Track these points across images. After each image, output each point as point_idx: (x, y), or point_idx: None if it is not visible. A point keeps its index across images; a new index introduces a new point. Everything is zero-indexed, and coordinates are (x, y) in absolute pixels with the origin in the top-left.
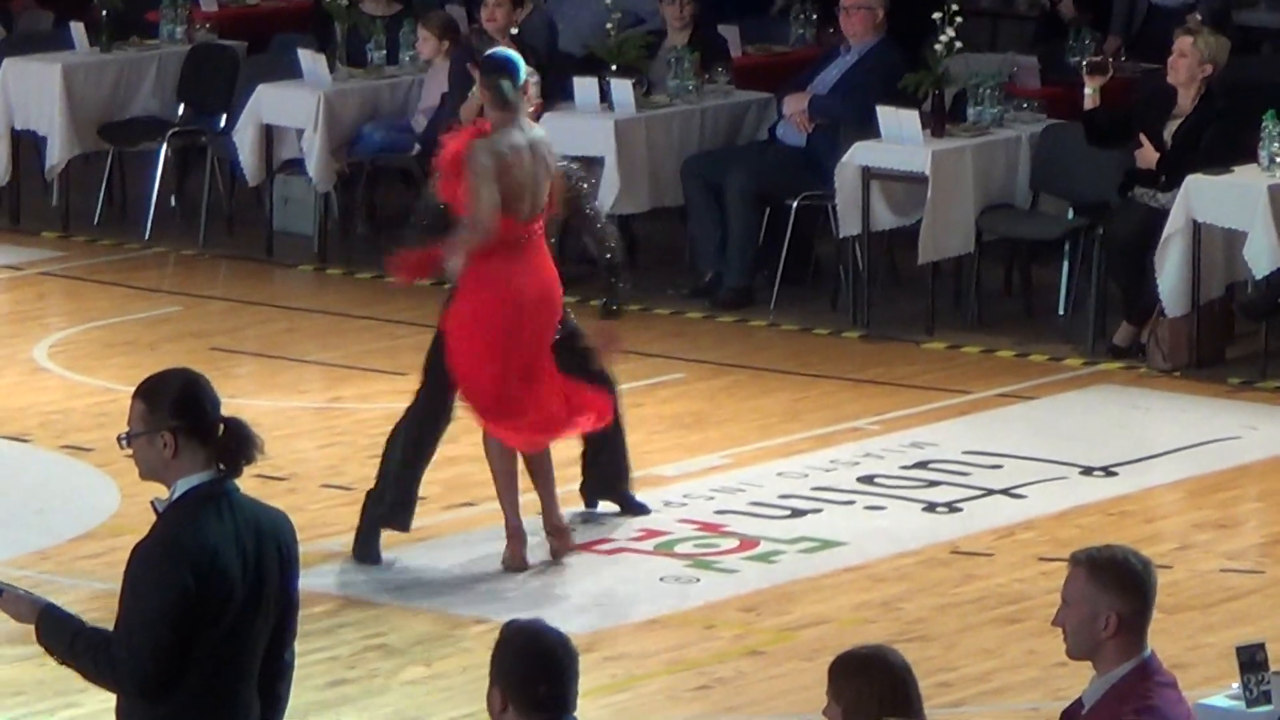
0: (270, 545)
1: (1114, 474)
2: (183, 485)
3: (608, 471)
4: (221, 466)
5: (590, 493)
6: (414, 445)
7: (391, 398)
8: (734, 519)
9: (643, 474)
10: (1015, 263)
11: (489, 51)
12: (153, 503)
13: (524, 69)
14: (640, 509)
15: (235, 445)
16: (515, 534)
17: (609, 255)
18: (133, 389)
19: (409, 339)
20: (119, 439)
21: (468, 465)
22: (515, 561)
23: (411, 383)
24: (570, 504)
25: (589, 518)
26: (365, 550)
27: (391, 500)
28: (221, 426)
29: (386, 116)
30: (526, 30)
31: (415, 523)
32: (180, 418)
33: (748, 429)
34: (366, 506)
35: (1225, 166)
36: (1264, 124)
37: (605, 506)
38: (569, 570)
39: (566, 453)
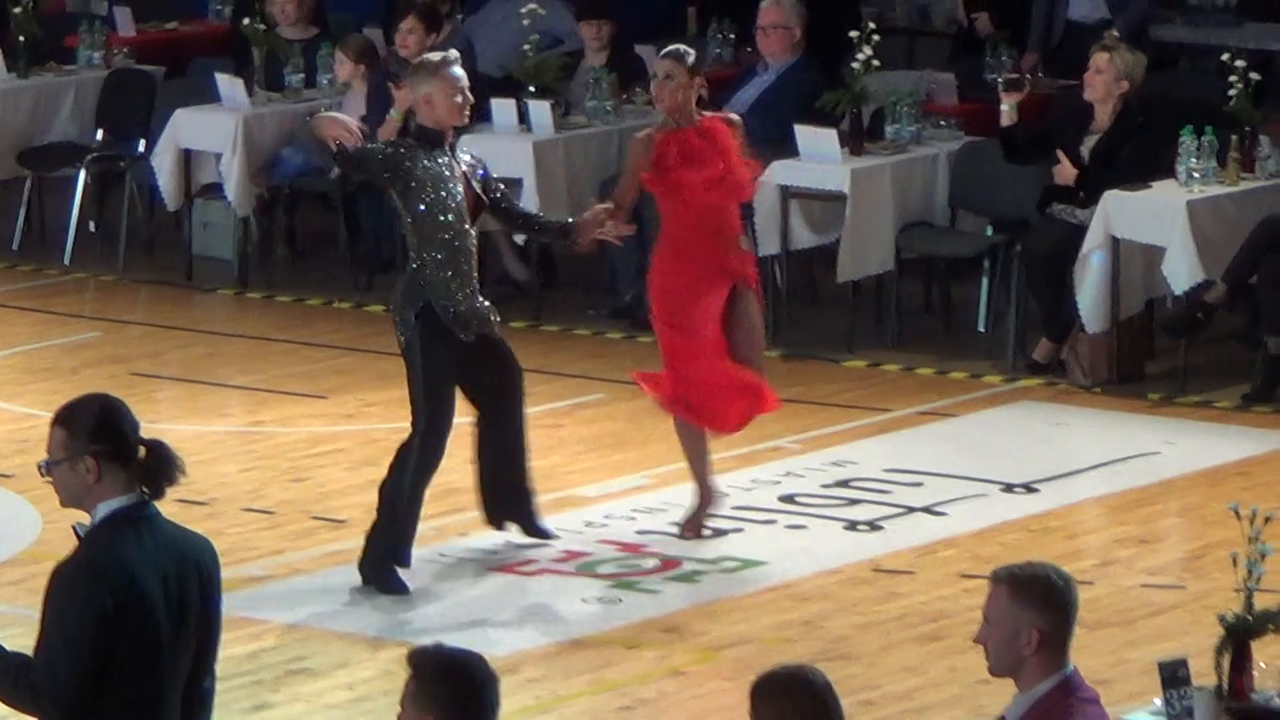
0: (191, 569)
1: (1035, 490)
2: (103, 509)
3: (510, 493)
4: (144, 489)
5: (494, 515)
6: (415, 488)
7: (313, 421)
8: (655, 539)
9: (564, 495)
10: (934, 280)
11: None
12: (74, 527)
13: None
14: (544, 534)
15: (157, 467)
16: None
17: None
18: (51, 415)
19: (329, 362)
20: (39, 466)
21: None
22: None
23: (333, 405)
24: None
25: (506, 539)
26: (386, 583)
27: (395, 536)
28: (142, 449)
29: (305, 140)
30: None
31: (336, 545)
32: (101, 442)
33: (669, 449)
34: (371, 540)
35: (1143, 182)
36: (1181, 139)
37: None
38: (491, 591)
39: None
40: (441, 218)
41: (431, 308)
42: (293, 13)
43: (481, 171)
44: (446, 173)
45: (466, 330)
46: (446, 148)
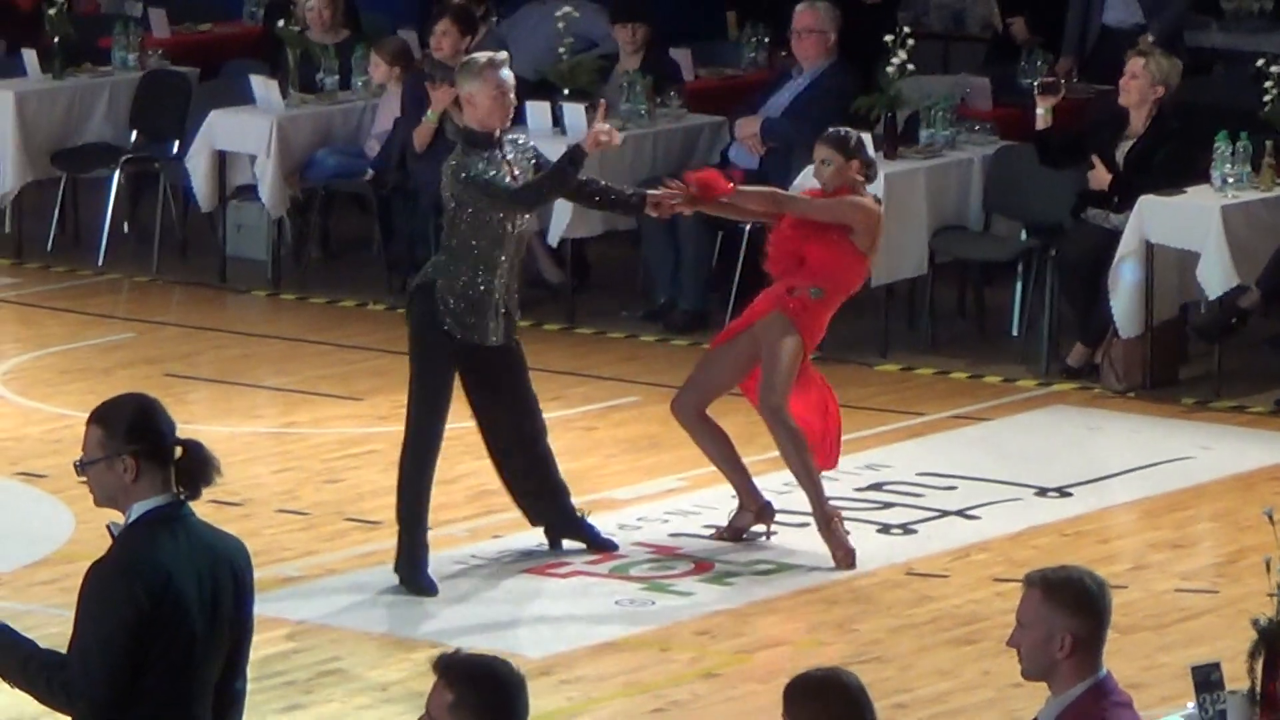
0: (225, 570)
1: (1068, 495)
2: (138, 509)
3: (546, 496)
4: (180, 489)
5: (535, 519)
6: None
7: (346, 422)
8: (689, 542)
9: (597, 497)
10: (968, 284)
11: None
12: (109, 527)
13: None
14: (607, 545)
15: (194, 468)
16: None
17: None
18: (86, 415)
19: (363, 364)
20: (75, 465)
21: None
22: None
23: (367, 407)
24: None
25: (539, 541)
26: (414, 583)
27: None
28: (179, 449)
29: (339, 142)
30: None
31: (369, 546)
32: (138, 442)
33: (701, 453)
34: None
35: (1178, 187)
36: (1216, 145)
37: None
38: (524, 593)
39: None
40: (488, 218)
41: (449, 302)
42: (327, 19)
43: (534, 157)
44: (493, 171)
45: (466, 330)
46: (495, 146)
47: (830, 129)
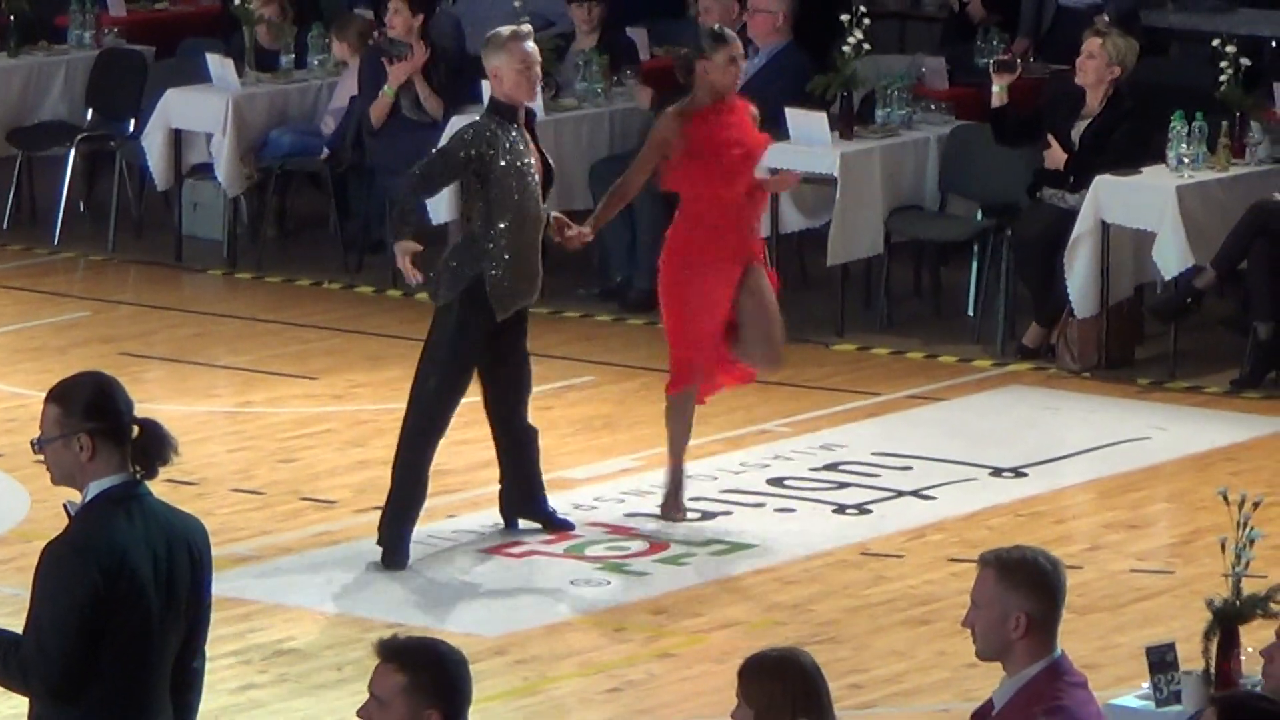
0: (181, 549)
1: (1024, 475)
2: (94, 488)
3: (523, 488)
4: (137, 469)
5: (509, 510)
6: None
7: (302, 402)
8: (644, 522)
9: (552, 477)
10: (924, 264)
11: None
12: (65, 506)
13: None
14: (562, 525)
15: (151, 446)
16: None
17: None
18: (40, 394)
19: (319, 343)
20: (32, 443)
21: (378, 469)
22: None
23: (322, 386)
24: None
25: (494, 522)
26: (390, 555)
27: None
28: (136, 428)
29: (295, 121)
30: (434, 31)
31: (324, 526)
32: (95, 420)
33: (657, 432)
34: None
35: (1134, 167)
36: (1172, 125)
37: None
38: (480, 573)
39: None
40: (515, 195)
41: (482, 279)
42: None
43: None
44: (521, 146)
45: (505, 309)
46: (521, 121)
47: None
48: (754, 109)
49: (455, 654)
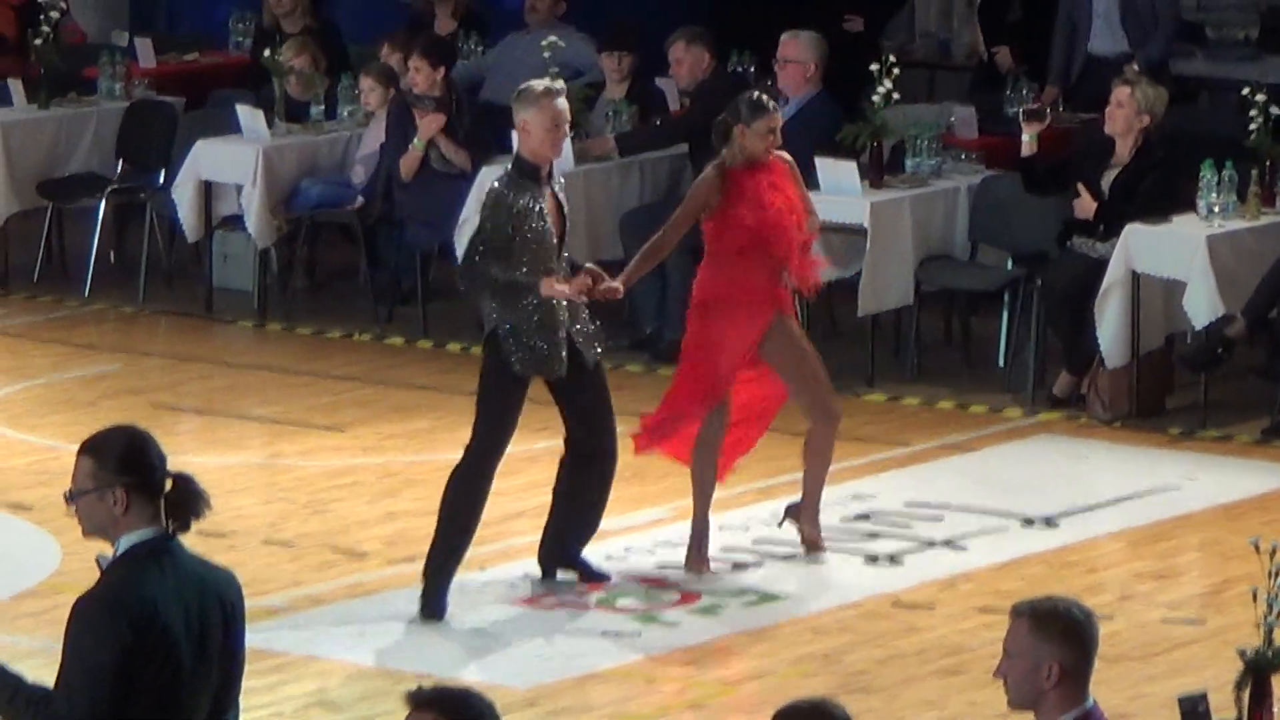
0: (213, 603)
1: (1055, 525)
2: (126, 541)
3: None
4: (171, 522)
5: (549, 561)
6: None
7: (332, 454)
8: (676, 572)
9: None
10: (954, 314)
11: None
12: (98, 559)
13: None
14: (598, 576)
15: (184, 500)
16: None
17: None
18: (71, 446)
19: (349, 394)
20: (66, 495)
21: (409, 520)
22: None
23: (352, 438)
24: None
25: (525, 573)
26: (428, 604)
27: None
28: (169, 482)
29: (324, 171)
30: (456, 82)
31: (356, 577)
32: (130, 473)
33: (689, 482)
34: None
35: (1164, 216)
36: (1202, 174)
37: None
38: (511, 624)
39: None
40: (527, 255)
41: (519, 337)
42: (288, 4)
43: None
44: (537, 207)
45: (526, 365)
46: (544, 179)
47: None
48: (788, 159)
49: (486, 702)
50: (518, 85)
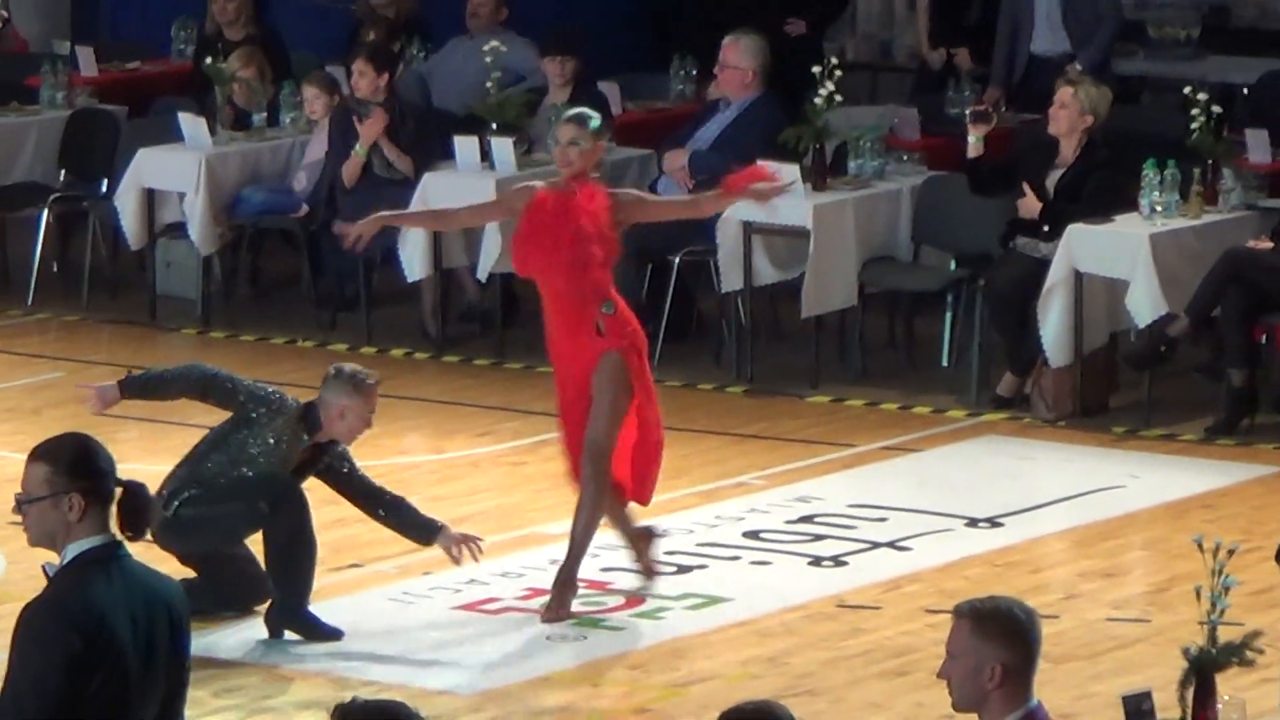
0: (161, 611)
1: (999, 525)
2: (74, 549)
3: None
4: (124, 530)
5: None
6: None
7: None
8: (619, 576)
9: (527, 532)
10: (898, 315)
11: None
12: (44, 567)
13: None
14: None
15: (138, 509)
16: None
17: None
18: (15, 455)
19: None
20: (17, 500)
21: (356, 526)
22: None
23: None
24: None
25: (471, 577)
26: None
27: None
28: (120, 490)
29: (267, 179)
30: (401, 89)
31: None
32: (83, 479)
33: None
34: None
35: (1107, 216)
36: (1144, 173)
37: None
38: (455, 630)
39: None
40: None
41: None
42: (232, 13)
43: (346, 466)
44: (289, 456)
45: None
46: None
47: (573, 109)
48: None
49: (415, 715)
50: (460, 91)
